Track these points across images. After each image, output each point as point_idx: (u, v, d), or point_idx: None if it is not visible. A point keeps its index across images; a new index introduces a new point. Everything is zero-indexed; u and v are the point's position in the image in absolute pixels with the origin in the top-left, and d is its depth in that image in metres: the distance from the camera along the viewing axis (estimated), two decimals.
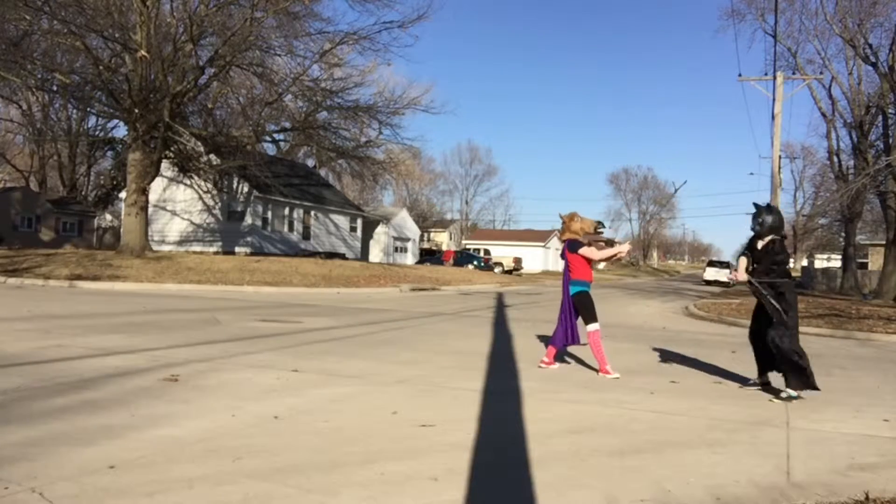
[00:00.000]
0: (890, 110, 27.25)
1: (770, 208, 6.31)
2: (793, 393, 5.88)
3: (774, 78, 26.61)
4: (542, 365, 7.18)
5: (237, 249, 31.71)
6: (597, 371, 6.98)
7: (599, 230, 7.15)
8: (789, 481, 3.67)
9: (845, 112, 30.90)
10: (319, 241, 37.14)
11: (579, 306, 6.93)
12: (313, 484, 3.31)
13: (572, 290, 6.95)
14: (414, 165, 59.48)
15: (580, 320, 6.97)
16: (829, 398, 6.20)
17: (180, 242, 33.62)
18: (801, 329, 12.79)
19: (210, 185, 31.16)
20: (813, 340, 11.65)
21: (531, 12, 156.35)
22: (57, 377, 5.52)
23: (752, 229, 6.30)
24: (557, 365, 7.30)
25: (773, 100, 26.41)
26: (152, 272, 19.04)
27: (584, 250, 6.93)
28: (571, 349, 7.68)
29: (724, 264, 49.50)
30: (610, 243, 7.25)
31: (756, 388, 6.42)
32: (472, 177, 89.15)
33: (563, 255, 7.15)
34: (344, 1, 56.71)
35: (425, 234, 67.54)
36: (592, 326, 6.84)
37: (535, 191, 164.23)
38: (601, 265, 77.89)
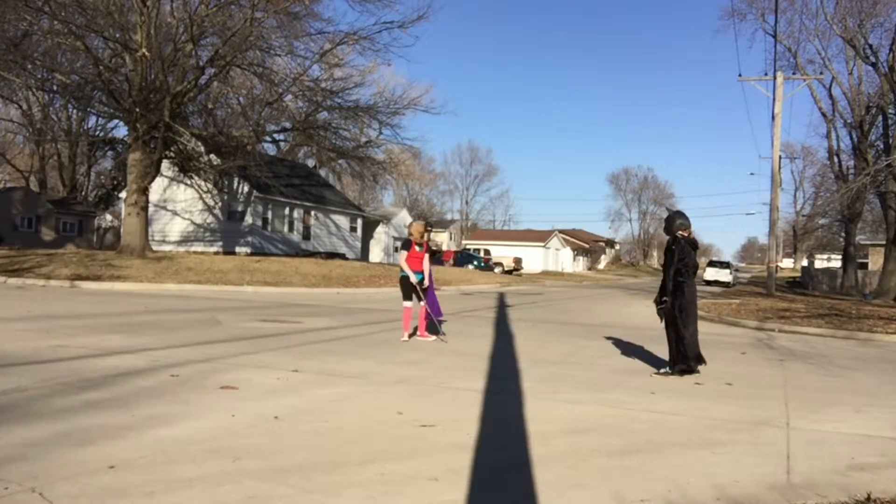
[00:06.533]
0: (890, 110, 27.27)
1: (679, 213, 7.12)
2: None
3: (775, 78, 26.63)
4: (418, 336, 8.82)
5: (238, 249, 31.70)
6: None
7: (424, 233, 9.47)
8: (790, 481, 3.67)
9: (845, 112, 30.92)
10: (320, 242, 37.13)
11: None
12: (313, 484, 3.31)
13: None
14: (414, 165, 59.48)
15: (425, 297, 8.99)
16: (830, 398, 6.20)
17: (181, 242, 33.61)
18: (802, 329, 12.97)
19: (210, 185, 31.16)
20: (814, 340, 11.66)
21: (531, 12, 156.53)
22: (57, 377, 5.52)
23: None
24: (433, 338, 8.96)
25: (774, 100, 26.43)
26: (153, 272, 19.04)
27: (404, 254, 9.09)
28: (573, 352, 7.68)
29: (724, 264, 49.54)
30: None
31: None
32: (473, 177, 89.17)
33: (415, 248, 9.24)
34: (344, 1, 56.68)
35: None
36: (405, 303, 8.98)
37: (535, 191, 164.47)
38: (601, 265, 78.26)
